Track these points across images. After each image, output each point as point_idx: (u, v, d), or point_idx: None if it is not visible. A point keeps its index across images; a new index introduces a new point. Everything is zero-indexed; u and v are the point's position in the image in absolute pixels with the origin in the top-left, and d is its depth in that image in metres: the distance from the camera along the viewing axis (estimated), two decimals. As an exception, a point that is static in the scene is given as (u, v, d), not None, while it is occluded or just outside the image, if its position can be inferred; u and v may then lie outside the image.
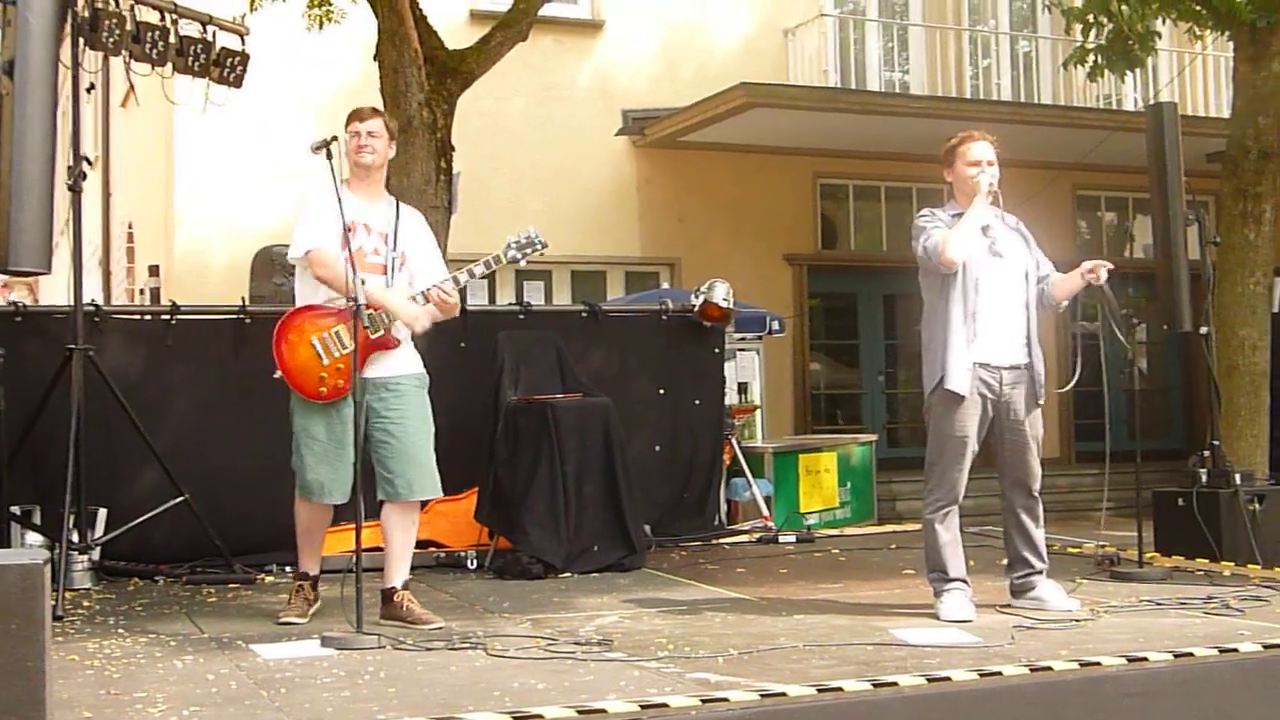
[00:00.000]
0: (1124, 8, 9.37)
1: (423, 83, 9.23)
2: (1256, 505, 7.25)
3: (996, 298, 5.80)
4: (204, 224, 13.14)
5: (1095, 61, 10.24)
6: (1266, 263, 10.42)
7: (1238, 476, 7.29)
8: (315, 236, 5.65)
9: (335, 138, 5.61)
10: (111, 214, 17.82)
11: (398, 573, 5.75)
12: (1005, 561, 6.09)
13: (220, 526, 7.21)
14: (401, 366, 5.76)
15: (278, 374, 5.72)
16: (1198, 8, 9.90)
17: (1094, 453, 14.64)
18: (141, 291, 15.07)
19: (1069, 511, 13.79)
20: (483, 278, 6.17)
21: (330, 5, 10.64)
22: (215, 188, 12.85)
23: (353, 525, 7.20)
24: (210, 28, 7.99)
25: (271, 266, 8.70)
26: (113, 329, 7.71)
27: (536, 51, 13.15)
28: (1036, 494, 5.89)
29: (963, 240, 5.69)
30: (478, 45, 10.03)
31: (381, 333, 5.68)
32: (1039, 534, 5.90)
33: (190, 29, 7.89)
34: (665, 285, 14.36)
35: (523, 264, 6.01)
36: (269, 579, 7.15)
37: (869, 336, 17.03)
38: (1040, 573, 5.88)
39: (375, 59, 9.51)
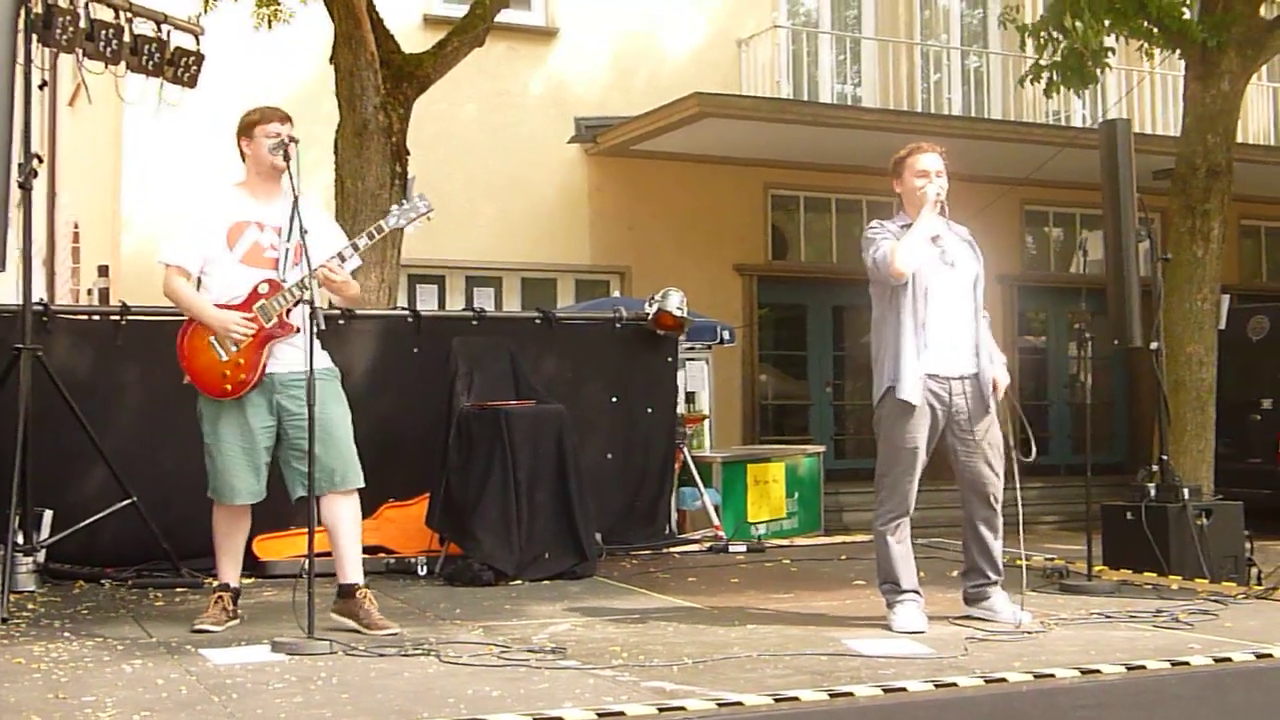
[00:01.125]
0: (1078, 24, 9.45)
1: (379, 86, 9.19)
2: (1204, 520, 7.32)
3: (946, 307, 5.81)
4: (152, 224, 12.98)
5: (1050, 78, 10.32)
6: (1214, 279, 10.53)
7: (1185, 491, 7.36)
8: (178, 253, 5.72)
9: (295, 139, 5.60)
10: (57, 213, 17.62)
11: (354, 568, 5.68)
12: (958, 573, 6.12)
13: (168, 529, 7.13)
14: (314, 359, 5.58)
15: (186, 380, 5.71)
16: (1149, 26, 10.00)
17: (1039, 466, 14.78)
18: (89, 291, 14.91)
19: (1010, 524, 13.91)
20: (368, 247, 6.06)
21: (278, 5, 10.58)
22: (164, 188, 12.72)
23: (296, 530, 7.29)
24: (165, 27, 7.91)
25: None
26: (61, 329, 7.61)
27: (490, 58, 13.14)
28: (995, 505, 5.89)
29: (911, 250, 5.71)
30: (434, 50, 10.01)
31: (274, 321, 5.64)
32: (996, 545, 5.92)
33: (145, 28, 7.81)
34: (616, 294, 14.38)
35: (407, 229, 5.97)
36: (216, 583, 7.06)
37: (817, 347, 17.13)
38: (995, 584, 5.90)
39: (331, 61, 9.47)
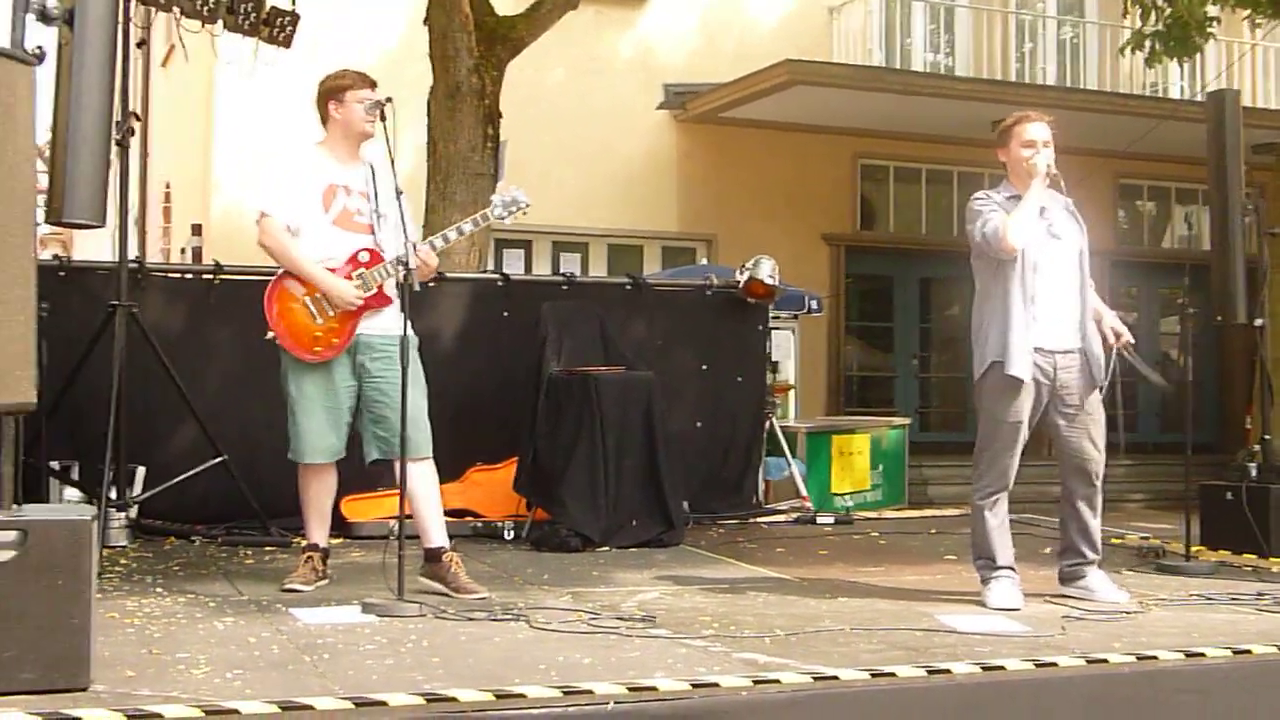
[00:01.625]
0: (1184, -9, 9.22)
1: (472, 48, 9.14)
2: (1309, 502, 7.12)
3: (1053, 281, 5.71)
4: (243, 185, 13.04)
5: (1153, 47, 10.06)
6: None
7: (1291, 471, 7.15)
8: (272, 203, 5.67)
9: (390, 99, 5.58)
10: (149, 173, 17.79)
11: (438, 531, 5.66)
12: (1052, 550, 6.01)
13: (257, 488, 7.17)
14: (394, 325, 5.57)
15: (270, 335, 5.70)
16: (1257, -5, 9.75)
17: (1127, 444, 14.53)
18: (182, 250, 15.06)
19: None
20: (469, 234, 6.07)
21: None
22: (255, 149, 12.76)
23: (382, 491, 7.32)
24: (261, -15, 7.93)
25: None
26: (155, 287, 7.69)
27: (578, 24, 13.02)
28: (1097, 482, 5.78)
29: (1023, 225, 5.60)
30: (527, 12, 9.95)
31: (374, 290, 5.64)
32: (1095, 524, 5.80)
33: (242, -13, 7.83)
34: (704, 261, 14.28)
35: (506, 221, 5.97)
36: (305, 542, 7.10)
37: (904, 319, 16.96)
38: (1092, 563, 5.78)
39: (424, 23, 9.43)
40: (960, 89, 14.70)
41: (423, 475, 5.63)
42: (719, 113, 14.78)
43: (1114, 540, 7.78)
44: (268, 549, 6.90)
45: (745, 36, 15.30)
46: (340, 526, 7.11)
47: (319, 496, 5.85)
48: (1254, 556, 6.99)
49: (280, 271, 5.75)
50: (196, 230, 14.14)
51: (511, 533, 7.48)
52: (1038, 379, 5.67)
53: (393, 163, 5.60)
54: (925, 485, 14.20)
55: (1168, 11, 9.74)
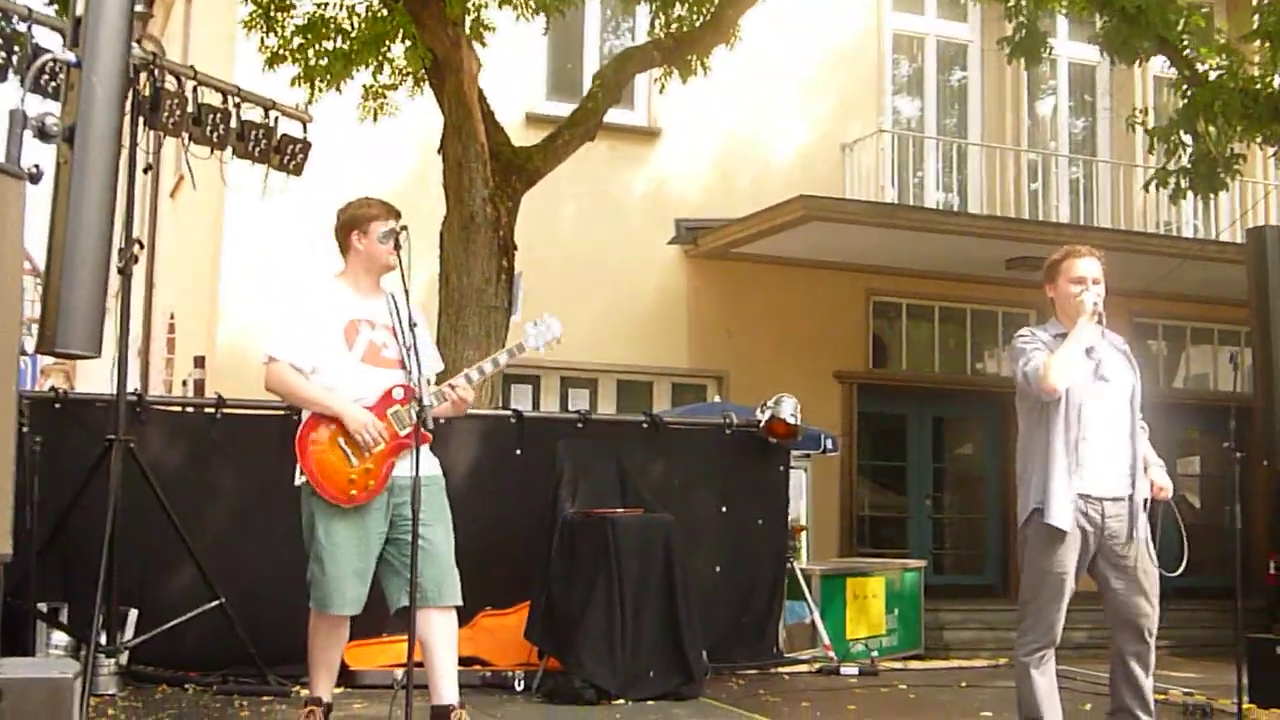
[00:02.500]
0: (1210, 128, 9.07)
1: (488, 179, 8.95)
2: (1362, 658, 6.77)
3: (1101, 425, 5.44)
4: (250, 316, 12.84)
5: (1178, 184, 9.90)
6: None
7: (1341, 625, 6.80)
8: (291, 349, 5.40)
9: (405, 227, 5.35)
10: (154, 304, 17.61)
11: (449, 687, 5.35)
12: (1107, 711, 5.64)
13: (256, 634, 6.87)
14: (428, 467, 5.32)
15: (301, 478, 5.38)
16: (1284, 131, 9.59)
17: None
18: (184, 383, 14.79)
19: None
20: (505, 367, 5.81)
21: (385, 98, 10.44)
22: (263, 280, 12.58)
23: (388, 637, 6.98)
24: (272, 113, 7.77)
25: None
26: (155, 420, 7.42)
27: (591, 158, 12.91)
28: (1150, 639, 5.46)
29: (1066, 365, 5.34)
30: (544, 143, 9.81)
31: (408, 430, 5.32)
32: (1148, 683, 5.47)
33: (252, 114, 7.66)
34: (717, 399, 13.99)
35: (541, 352, 5.70)
36: (305, 692, 6.73)
37: (917, 459, 16.66)
38: (1146, 725, 5.43)
39: (439, 152, 9.26)
40: (975, 226, 14.56)
41: (445, 624, 5.34)
42: (731, 248, 14.62)
43: (1156, 696, 7.39)
44: (265, 699, 6.59)
45: (758, 173, 15.20)
46: (342, 674, 6.71)
47: (329, 649, 5.52)
48: (1310, 715, 6.63)
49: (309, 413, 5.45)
50: (199, 362, 13.88)
51: (522, 683, 7.15)
52: (1084, 527, 5.39)
53: (408, 294, 5.36)
54: (941, 630, 13.83)
55: (1190, 148, 9.57)
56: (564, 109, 11.56)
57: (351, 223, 5.53)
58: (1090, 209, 16.85)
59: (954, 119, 16.95)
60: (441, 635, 5.34)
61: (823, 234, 14.04)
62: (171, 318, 16.75)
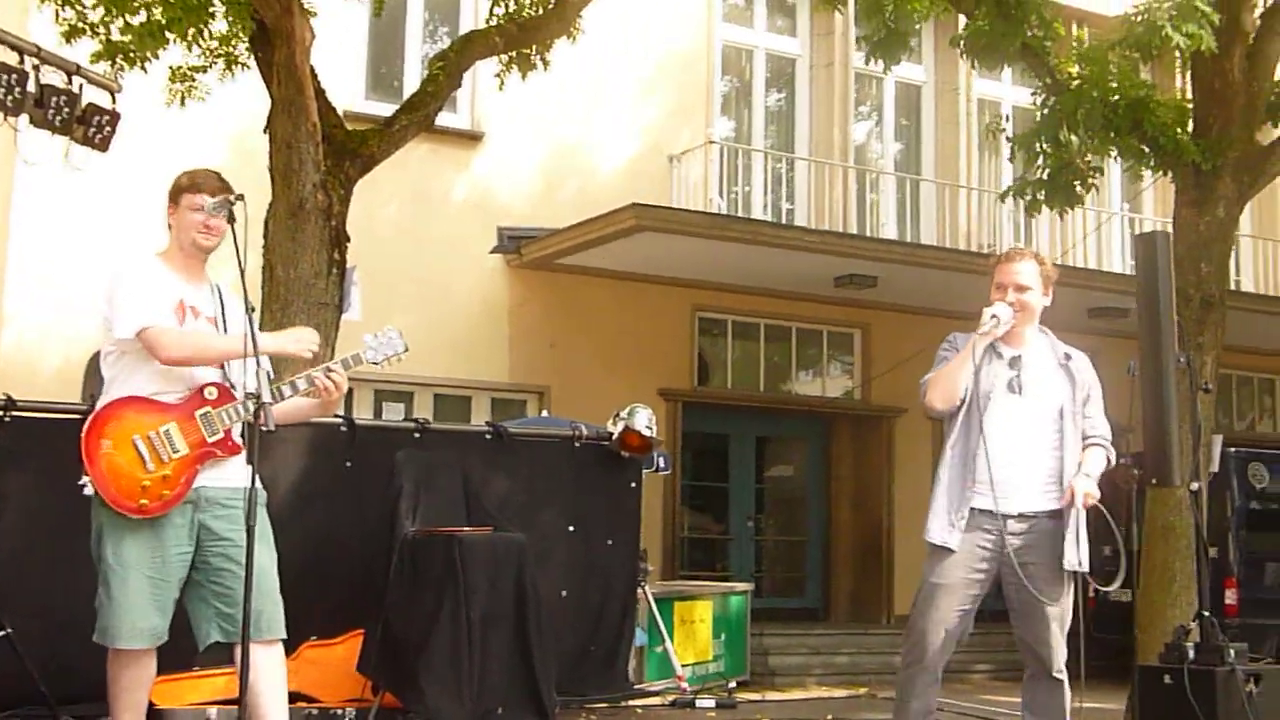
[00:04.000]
0: (1073, 138, 8.85)
1: (319, 161, 8.19)
2: (1253, 686, 6.45)
3: (1009, 439, 5.14)
4: (39, 317, 11.80)
5: (1034, 197, 9.67)
6: (1207, 419, 9.81)
7: (1232, 652, 6.47)
8: (149, 313, 4.65)
9: (241, 196, 4.66)
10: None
11: None
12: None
13: (48, 669, 6.16)
14: (240, 477, 4.68)
15: (85, 482, 4.66)
16: (1142, 145, 9.42)
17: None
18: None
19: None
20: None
21: (194, 81, 9.55)
22: (54, 276, 11.54)
23: (199, 672, 6.23)
24: (77, 79, 6.93)
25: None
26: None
27: (412, 158, 12.26)
28: (1058, 674, 5.11)
29: (947, 382, 5.14)
30: (380, 127, 9.11)
31: (220, 435, 4.67)
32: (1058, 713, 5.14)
33: (54, 78, 6.81)
34: (545, 414, 13.40)
35: (379, 367, 5.13)
36: (103, 734, 5.97)
37: (739, 479, 16.45)
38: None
39: (265, 130, 8.46)
40: (808, 240, 14.28)
41: (273, 661, 4.64)
42: (556, 259, 14.09)
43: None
44: (57, 743, 5.75)
45: (584, 182, 14.75)
46: (149, 715, 5.95)
47: (132, 689, 4.82)
48: (1205, 747, 6.27)
49: (104, 403, 4.67)
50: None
51: (354, 721, 6.45)
52: (982, 545, 5.11)
53: (243, 273, 4.64)
54: (766, 655, 13.48)
55: (1050, 159, 9.36)
56: (384, 109, 10.98)
57: (169, 196, 4.91)
58: (917, 226, 16.78)
59: (780, 133, 16.77)
60: (270, 673, 4.68)
61: (652, 246, 13.62)
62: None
